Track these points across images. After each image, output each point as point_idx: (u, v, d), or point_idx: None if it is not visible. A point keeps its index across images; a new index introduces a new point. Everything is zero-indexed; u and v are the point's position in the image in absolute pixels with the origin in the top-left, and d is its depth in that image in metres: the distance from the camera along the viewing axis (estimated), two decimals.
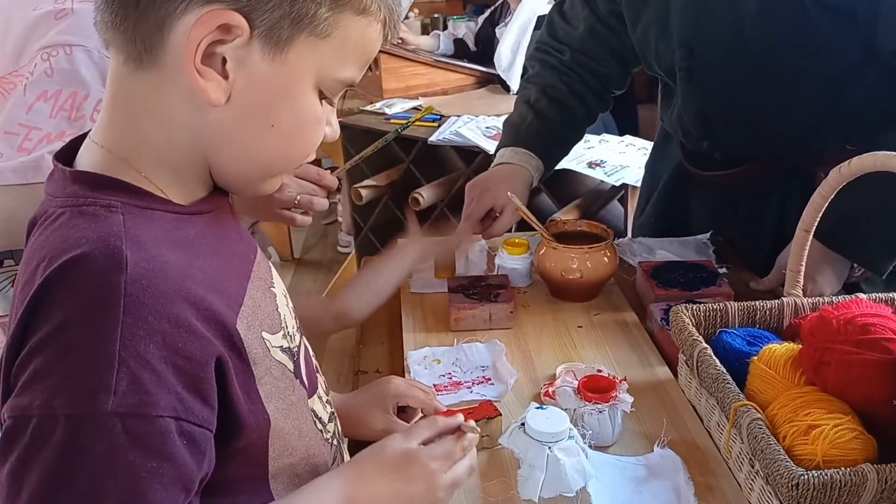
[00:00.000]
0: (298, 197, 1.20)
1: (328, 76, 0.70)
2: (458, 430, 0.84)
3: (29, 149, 1.15)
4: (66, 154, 0.71)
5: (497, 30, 3.24)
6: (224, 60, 0.65)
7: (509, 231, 1.55)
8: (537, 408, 0.97)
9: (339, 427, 0.91)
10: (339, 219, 3.71)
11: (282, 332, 0.77)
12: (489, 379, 1.19)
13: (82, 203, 0.66)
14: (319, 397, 0.84)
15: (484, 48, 3.33)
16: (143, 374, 0.59)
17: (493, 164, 1.58)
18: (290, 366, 0.77)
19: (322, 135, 0.74)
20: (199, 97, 0.66)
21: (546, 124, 1.58)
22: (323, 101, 0.72)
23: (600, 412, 1.02)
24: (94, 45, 1.15)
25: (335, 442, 0.87)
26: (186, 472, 0.62)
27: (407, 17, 4.04)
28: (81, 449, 0.58)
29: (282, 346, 0.76)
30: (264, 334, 0.73)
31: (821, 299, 1.14)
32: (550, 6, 2.09)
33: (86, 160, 0.69)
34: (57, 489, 0.58)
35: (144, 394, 0.60)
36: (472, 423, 0.85)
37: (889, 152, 0.97)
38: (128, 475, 0.59)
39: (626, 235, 1.92)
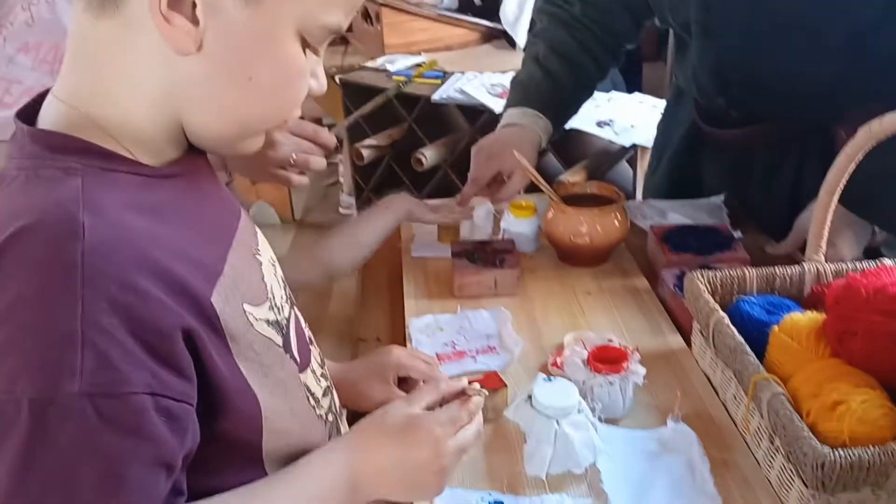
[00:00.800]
0: (294, 155, 1.14)
1: (311, 21, 0.64)
2: (462, 395, 0.80)
3: (10, 103, 1.12)
4: (30, 110, 0.66)
5: None
6: (194, 4, 0.59)
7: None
8: (545, 379, 0.93)
9: (337, 400, 0.87)
10: (341, 179, 3.66)
11: (267, 304, 0.72)
12: (494, 348, 1.15)
13: (40, 165, 0.61)
14: (313, 371, 0.80)
15: (489, 2, 3.25)
16: (110, 350, 0.55)
17: (500, 125, 1.52)
18: (279, 340, 0.73)
19: (306, 88, 0.68)
20: (166, 46, 0.60)
21: (555, 83, 1.52)
22: (307, 50, 0.66)
23: (611, 384, 0.97)
24: None
25: (330, 418, 0.83)
26: (167, 450, 0.59)
27: None
28: (50, 434, 0.54)
29: (268, 320, 0.71)
30: (246, 307, 0.68)
31: (844, 265, 1.09)
32: None
33: (47, 117, 0.64)
34: (29, 478, 0.55)
35: (114, 371, 0.55)
36: (476, 385, 0.82)
37: None
38: (103, 458, 0.56)
39: (636, 197, 1.87)
